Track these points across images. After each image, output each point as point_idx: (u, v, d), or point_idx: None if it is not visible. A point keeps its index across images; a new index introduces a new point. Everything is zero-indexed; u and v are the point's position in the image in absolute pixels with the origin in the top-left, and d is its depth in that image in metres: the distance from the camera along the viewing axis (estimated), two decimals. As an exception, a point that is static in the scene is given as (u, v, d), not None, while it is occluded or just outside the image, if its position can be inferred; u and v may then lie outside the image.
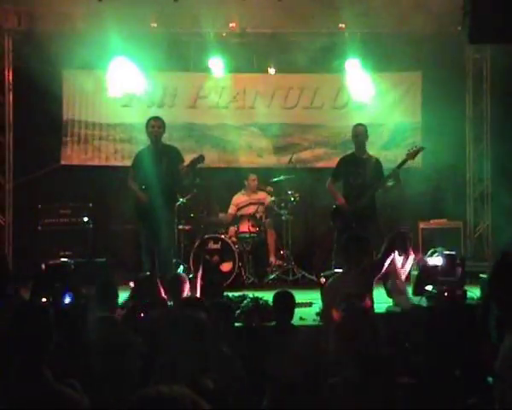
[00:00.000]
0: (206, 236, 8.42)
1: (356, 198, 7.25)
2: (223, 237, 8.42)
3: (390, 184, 7.31)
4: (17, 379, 2.70)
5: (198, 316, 3.27)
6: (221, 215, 8.96)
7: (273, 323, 5.21)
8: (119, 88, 9.25)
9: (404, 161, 7.35)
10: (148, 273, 6.58)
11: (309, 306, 6.64)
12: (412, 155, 7.35)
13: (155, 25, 8.85)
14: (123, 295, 6.22)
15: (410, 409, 2.88)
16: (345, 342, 3.05)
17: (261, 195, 9.14)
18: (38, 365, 2.73)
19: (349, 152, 7.83)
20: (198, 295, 5.78)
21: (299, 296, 6.93)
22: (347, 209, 7.25)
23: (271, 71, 9.53)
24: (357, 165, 7.37)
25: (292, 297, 4.97)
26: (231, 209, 9.13)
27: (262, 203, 8.98)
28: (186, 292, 5.28)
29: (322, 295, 5.64)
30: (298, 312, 6.28)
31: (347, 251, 5.33)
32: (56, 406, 2.66)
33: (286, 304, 4.93)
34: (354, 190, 7.31)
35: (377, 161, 7.49)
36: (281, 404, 4.14)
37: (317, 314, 5.94)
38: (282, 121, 9.67)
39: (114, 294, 4.82)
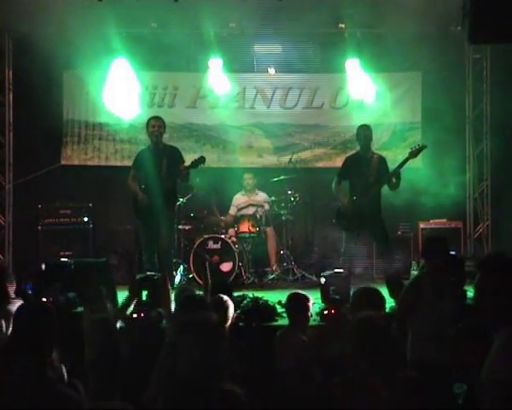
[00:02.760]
0: (206, 236, 8.42)
1: (358, 197, 7.27)
2: (223, 237, 8.42)
3: (394, 181, 7.35)
4: (20, 379, 2.70)
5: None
6: (221, 217, 8.96)
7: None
8: (119, 88, 9.25)
9: (406, 159, 7.38)
10: (147, 274, 6.58)
11: (309, 306, 6.62)
12: (415, 153, 7.39)
13: (155, 25, 8.85)
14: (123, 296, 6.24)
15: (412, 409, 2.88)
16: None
17: (261, 196, 9.13)
18: (41, 365, 2.74)
19: (353, 151, 7.84)
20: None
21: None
22: (349, 209, 7.27)
23: (271, 71, 9.54)
24: (360, 164, 7.37)
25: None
26: (232, 210, 9.12)
27: (262, 206, 8.97)
28: None
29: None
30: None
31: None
32: (58, 406, 2.66)
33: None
34: (358, 190, 7.32)
35: (380, 158, 7.49)
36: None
37: (317, 314, 5.94)
38: (282, 121, 9.68)
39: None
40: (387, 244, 7.48)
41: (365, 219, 7.22)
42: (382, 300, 4.23)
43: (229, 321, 4.46)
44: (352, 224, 7.24)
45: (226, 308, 4.46)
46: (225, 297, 4.56)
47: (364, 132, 7.46)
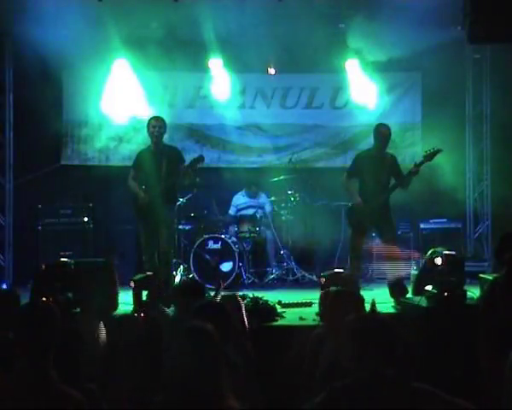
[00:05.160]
0: (206, 236, 8.43)
1: (373, 197, 7.11)
2: (223, 237, 8.43)
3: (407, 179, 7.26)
4: (22, 379, 2.70)
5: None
6: (220, 217, 8.97)
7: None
8: (119, 88, 9.25)
9: (421, 163, 7.18)
10: (148, 274, 6.56)
11: (309, 306, 6.64)
12: (430, 156, 7.20)
13: (155, 25, 8.85)
14: (123, 296, 6.26)
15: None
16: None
17: (261, 198, 9.15)
18: (44, 365, 2.74)
19: (365, 149, 7.69)
20: None
21: (299, 296, 6.97)
22: (364, 209, 7.12)
23: (271, 71, 9.54)
24: (373, 163, 7.13)
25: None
26: (231, 210, 9.14)
27: (262, 207, 8.99)
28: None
29: None
30: (298, 312, 6.33)
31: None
32: (60, 406, 2.66)
33: None
34: (371, 189, 7.15)
35: (392, 157, 7.33)
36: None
37: (317, 314, 5.93)
38: (282, 121, 9.68)
39: None
40: (395, 244, 7.33)
41: (377, 219, 7.12)
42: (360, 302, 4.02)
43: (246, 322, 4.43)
44: (364, 224, 7.14)
45: (239, 308, 4.43)
46: (235, 295, 4.54)
47: (384, 131, 7.25)
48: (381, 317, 2.95)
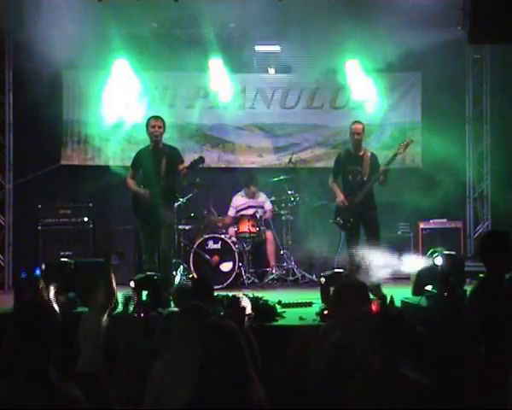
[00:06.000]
0: (206, 236, 8.43)
1: (353, 193, 7.33)
2: (223, 237, 8.43)
3: (383, 177, 7.39)
4: (23, 380, 2.70)
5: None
6: (220, 218, 8.97)
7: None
8: (119, 88, 9.25)
9: (395, 155, 7.44)
10: (147, 274, 6.56)
11: (309, 306, 6.64)
12: (403, 148, 7.47)
13: (155, 25, 8.85)
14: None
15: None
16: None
17: (260, 198, 9.15)
18: (44, 365, 2.74)
19: (344, 149, 7.87)
20: None
21: (299, 296, 6.97)
22: (346, 206, 7.31)
23: (271, 71, 9.54)
24: (354, 162, 7.43)
25: None
26: (230, 211, 9.14)
27: (261, 207, 8.99)
28: None
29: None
30: (298, 312, 6.33)
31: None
32: (60, 406, 2.66)
33: None
34: (353, 188, 7.36)
35: (373, 156, 7.55)
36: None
37: (317, 314, 5.94)
38: (282, 121, 9.67)
39: None
40: (377, 243, 7.39)
41: (361, 215, 7.27)
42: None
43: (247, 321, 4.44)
44: (348, 220, 7.28)
45: (243, 308, 4.44)
46: (241, 295, 4.55)
47: (356, 127, 7.49)
48: (395, 311, 2.99)
